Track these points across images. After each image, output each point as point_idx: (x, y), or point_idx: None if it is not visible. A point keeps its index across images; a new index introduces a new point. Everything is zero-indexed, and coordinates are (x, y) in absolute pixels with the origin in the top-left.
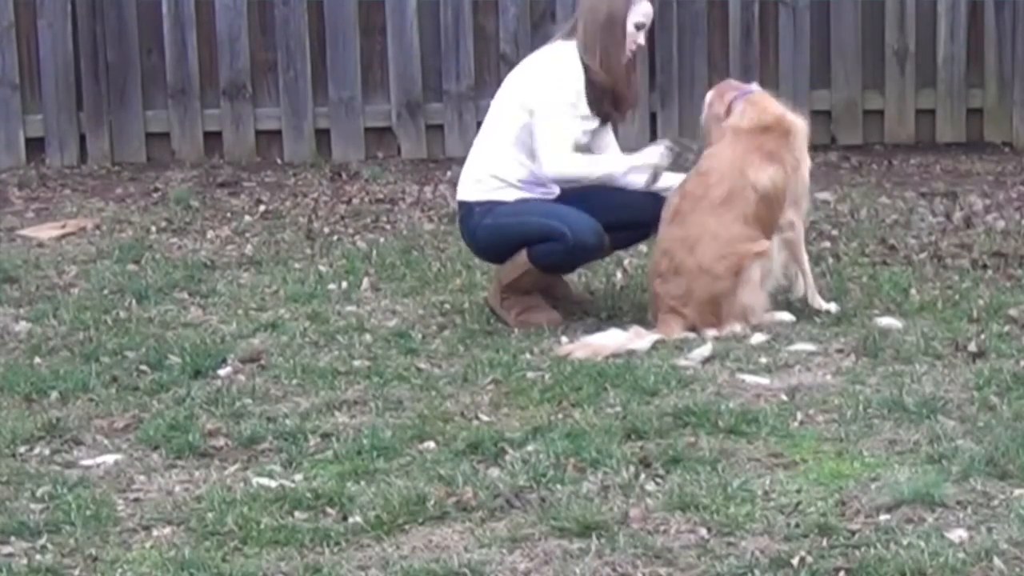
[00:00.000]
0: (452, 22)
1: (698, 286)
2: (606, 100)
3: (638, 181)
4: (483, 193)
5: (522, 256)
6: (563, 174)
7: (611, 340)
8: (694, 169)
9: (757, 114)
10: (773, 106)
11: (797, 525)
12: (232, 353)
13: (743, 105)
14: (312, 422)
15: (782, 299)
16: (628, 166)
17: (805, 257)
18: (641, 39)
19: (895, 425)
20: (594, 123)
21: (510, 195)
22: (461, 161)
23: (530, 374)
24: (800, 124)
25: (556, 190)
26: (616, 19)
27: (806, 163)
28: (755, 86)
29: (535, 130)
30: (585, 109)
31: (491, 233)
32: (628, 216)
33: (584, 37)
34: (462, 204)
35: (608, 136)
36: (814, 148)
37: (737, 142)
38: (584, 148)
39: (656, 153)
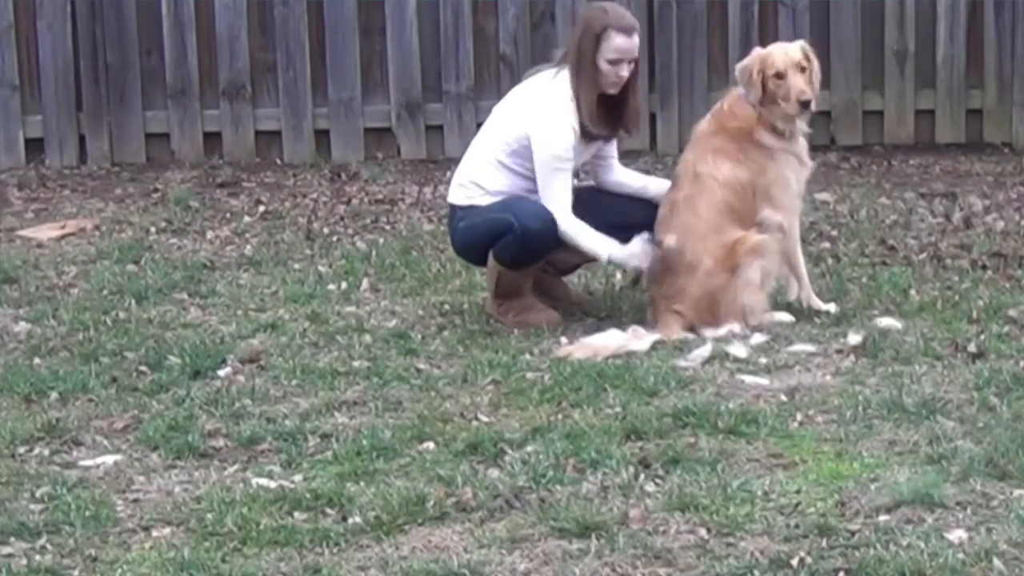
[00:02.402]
0: (452, 22)
1: (691, 283)
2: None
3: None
4: (465, 198)
5: (490, 263)
6: (562, 233)
7: (610, 341)
8: (672, 180)
9: (712, 118)
10: (726, 110)
11: (797, 526)
12: (232, 354)
13: (715, 107)
14: (312, 423)
15: (782, 300)
16: (608, 255)
17: (800, 260)
18: (624, 71)
19: (895, 426)
20: (594, 147)
21: (486, 201)
22: (460, 162)
23: (530, 375)
24: (743, 125)
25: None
26: (584, 58)
27: (775, 169)
28: None
29: (537, 178)
30: (576, 149)
31: (463, 236)
32: (626, 218)
33: (570, 71)
34: (449, 206)
35: (611, 149)
36: (814, 148)
37: (695, 145)
38: (589, 165)
39: (637, 254)
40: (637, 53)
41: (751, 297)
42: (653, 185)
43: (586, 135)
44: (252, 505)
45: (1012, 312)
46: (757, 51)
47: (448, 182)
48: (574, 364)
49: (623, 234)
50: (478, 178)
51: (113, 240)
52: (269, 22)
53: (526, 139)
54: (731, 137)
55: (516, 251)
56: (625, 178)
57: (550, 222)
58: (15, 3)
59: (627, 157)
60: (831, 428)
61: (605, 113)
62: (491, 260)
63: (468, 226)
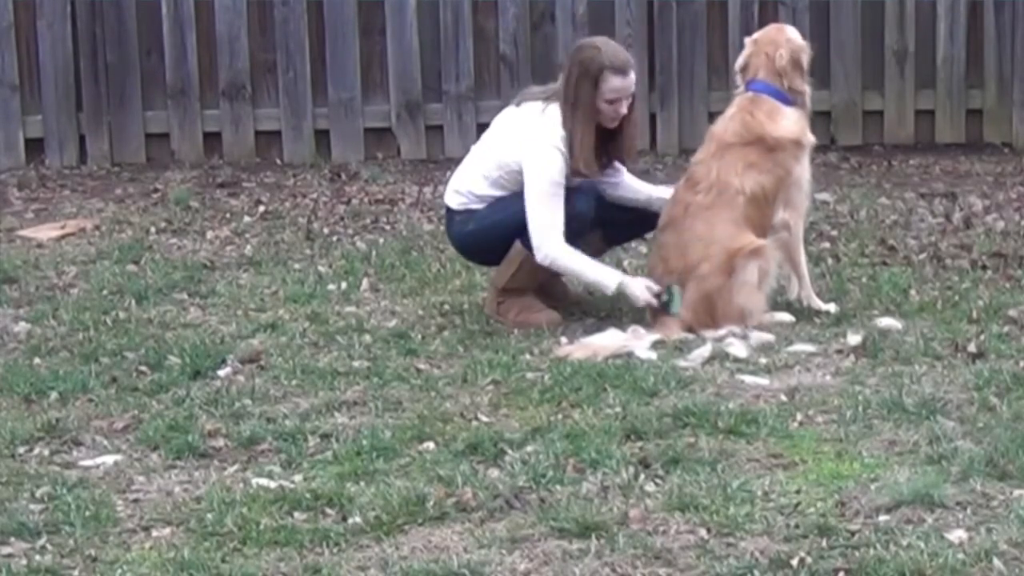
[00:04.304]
0: (452, 22)
1: (689, 286)
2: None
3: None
4: (459, 204)
5: (514, 250)
6: (551, 258)
7: (610, 341)
8: (685, 175)
9: (741, 127)
10: (759, 119)
11: (797, 526)
12: (232, 354)
13: (732, 111)
14: (312, 423)
15: (782, 300)
16: (612, 283)
17: (802, 259)
18: (623, 108)
19: (895, 426)
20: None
21: (483, 206)
22: (460, 162)
23: (529, 375)
24: (788, 137)
25: None
26: (581, 100)
27: (799, 170)
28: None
29: (525, 200)
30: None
31: (476, 238)
32: (624, 213)
33: (560, 111)
34: (446, 209)
35: (616, 173)
36: (814, 149)
37: (722, 154)
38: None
39: (641, 293)
40: (634, 88)
41: (749, 299)
42: (656, 197)
43: (577, 174)
44: (252, 505)
45: (1012, 312)
46: (788, 34)
47: (448, 182)
48: (574, 364)
49: (623, 230)
50: (473, 188)
51: (113, 240)
52: (269, 22)
53: (516, 166)
54: (768, 148)
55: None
56: (630, 192)
57: (592, 205)
58: (15, 3)
59: None
60: (831, 428)
61: (601, 146)
62: (513, 252)
63: (485, 225)
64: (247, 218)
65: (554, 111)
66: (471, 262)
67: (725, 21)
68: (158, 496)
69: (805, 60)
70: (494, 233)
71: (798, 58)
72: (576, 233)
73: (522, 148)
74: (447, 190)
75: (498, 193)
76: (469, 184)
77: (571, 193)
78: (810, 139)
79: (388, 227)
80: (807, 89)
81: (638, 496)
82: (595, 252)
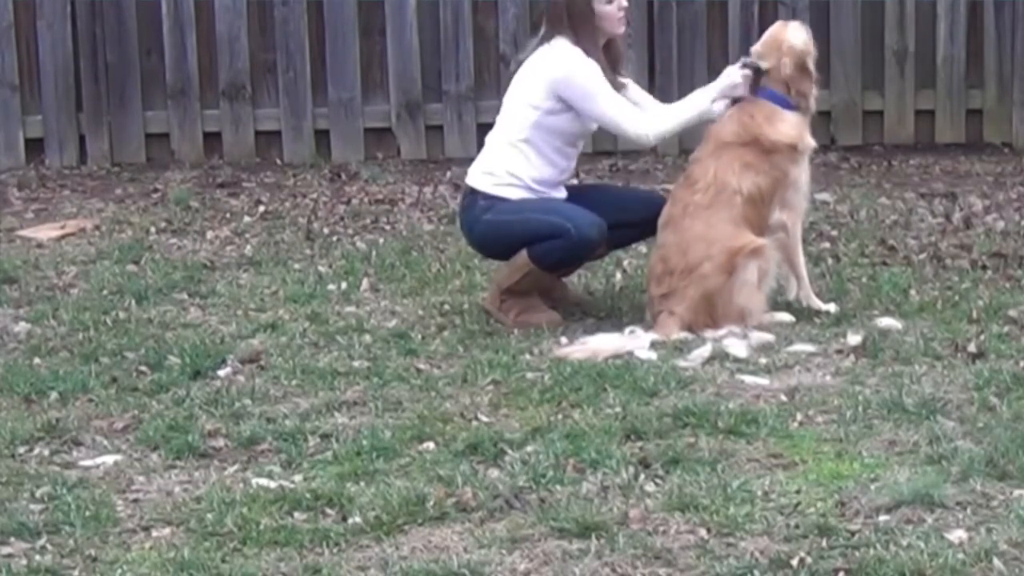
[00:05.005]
0: (452, 22)
1: (689, 285)
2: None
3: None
4: (491, 186)
5: (521, 258)
6: (661, 133)
7: (610, 341)
8: (683, 175)
9: (739, 128)
10: (758, 121)
11: (797, 526)
12: (232, 354)
13: (732, 111)
14: (312, 423)
15: (782, 300)
16: (711, 97)
17: (800, 260)
18: (624, 1)
19: (895, 426)
20: None
21: (516, 194)
22: (460, 162)
23: (529, 375)
24: (784, 141)
25: (564, 192)
26: (580, 11)
27: (796, 173)
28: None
29: (595, 116)
30: None
31: (490, 229)
32: (626, 216)
33: (565, 34)
34: (469, 191)
35: (635, 90)
36: (814, 150)
37: (719, 153)
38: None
39: (735, 77)
40: None
41: (748, 298)
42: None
43: None
44: (252, 505)
45: (1012, 312)
46: (790, 40)
47: (449, 182)
48: (574, 364)
49: (625, 232)
50: (512, 167)
51: (113, 240)
52: (269, 22)
53: (552, 96)
54: (764, 150)
55: (561, 256)
56: (653, 103)
57: (604, 231)
58: (15, 3)
59: (627, 156)
60: (831, 428)
61: (608, 63)
62: (520, 259)
63: (501, 221)
64: (247, 218)
65: (560, 42)
66: (477, 251)
67: (725, 21)
68: (158, 496)
69: (811, 62)
70: (507, 230)
71: (803, 62)
72: (581, 258)
73: (552, 72)
74: (473, 169)
75: (540, 164)
76: (506, 161)
77: (580, 217)
78: (808, 144)
79: (388, 227)
80: (814, 91)
81: (638, 496)
82: (598, 255)
